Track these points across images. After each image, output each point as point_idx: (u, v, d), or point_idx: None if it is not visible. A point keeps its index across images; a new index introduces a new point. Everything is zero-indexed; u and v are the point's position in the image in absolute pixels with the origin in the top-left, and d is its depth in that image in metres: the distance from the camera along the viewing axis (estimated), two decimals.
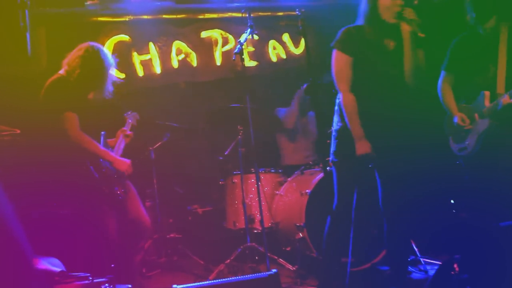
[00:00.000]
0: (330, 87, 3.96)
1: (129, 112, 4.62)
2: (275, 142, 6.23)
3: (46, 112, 3.85)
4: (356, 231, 3.75)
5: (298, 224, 4.94)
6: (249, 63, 6.73)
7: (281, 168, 5.86)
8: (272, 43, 6.83)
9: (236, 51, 4.33)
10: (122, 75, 6.21)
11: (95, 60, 3.99)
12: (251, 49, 6.78)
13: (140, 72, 6.56)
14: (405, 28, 3.44)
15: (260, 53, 6.81)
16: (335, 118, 3.70)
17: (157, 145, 5.80)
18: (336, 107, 3.69)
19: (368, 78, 3.52)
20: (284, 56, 6.83)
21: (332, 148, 3.71)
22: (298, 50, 6.82)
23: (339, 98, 3.64)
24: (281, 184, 5.63)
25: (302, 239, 4.85)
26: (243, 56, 4.37)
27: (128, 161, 4.07)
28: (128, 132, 4.41)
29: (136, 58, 6.52)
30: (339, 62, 3.52)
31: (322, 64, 4.37)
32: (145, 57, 6.57)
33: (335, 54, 3.55)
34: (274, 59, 6.82)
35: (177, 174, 6.38)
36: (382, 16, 3.48)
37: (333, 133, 3.71)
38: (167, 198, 5.96)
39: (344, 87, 3.51)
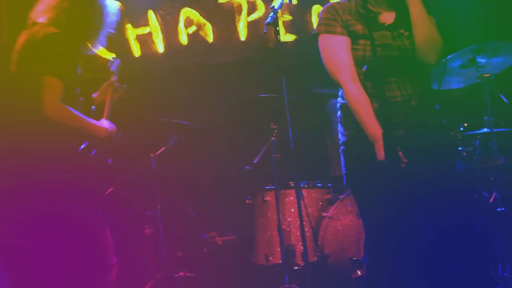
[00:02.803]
0: None
1: (112, 61, 4.52)
2: (323, 146, 6.24)
3: (18, 81, 3.77)
4: None
5: (355, 258, 5.01)
6: (286, 37, 6.78)
7: (330, 180, 5.89)
8: (316, 9, 6.84)
9: (268, 21, 4.31)
10: (111, 55, 6.28)
11: (89, 4, 3.98)
12: (288, 17, 6.83)
13: (136, 51, 6.71)
14: None
15: (300, 24, 6.85)
16: (339, 128, 3.77)
17: (161, 150, 5.83)
18: (339, 113, 3.77)
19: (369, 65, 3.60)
20: None
21: (343, 170, 3.78)
22: None
23: (341, 97, 3.74)
24: (330, 203, 5.66)
25: (360, 279, 4.92)
26: (277, 28, 4.31)
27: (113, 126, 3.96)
28: (117, 84, 4.32)
29: (131, 33, 6.66)
30: (330, 48, 3.63)
31: None
32: (143, 30, 6.70)
33: (322, 41, 3.67)
34: None
35: (187, 190, 6.44)
36: None
37: (340, 150, 3.77)
38: (175, 223, 6.04)
39: (346, 77, 3.56)
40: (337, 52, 3.59)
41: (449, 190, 3.57)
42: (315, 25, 6.54)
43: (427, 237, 3.53)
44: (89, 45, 4.04)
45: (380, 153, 3.35)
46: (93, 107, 4.14)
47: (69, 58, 3.81)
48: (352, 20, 3.60)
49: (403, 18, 3.58)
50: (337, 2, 3.69)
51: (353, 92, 3.51)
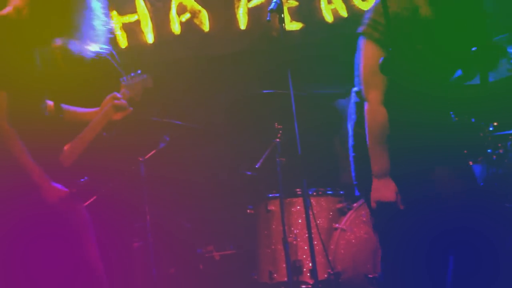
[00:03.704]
0: None
1: (131, 75, 4.28)
2: (333, 148, 6.21)
3: None
4: None
5: (370, 276, 4.95)
6: (291, 25, 6.75)
7: (342, 187, 5.85)
8: None
9: (271, 7, 4.33)
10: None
11: None
12: (294, 3, 6.79)
13: (122, 41, 6.67)
14: None
15: (307, 10, 6.81)
16: (350, 127, 3.82)
17: (151, 154, 5.78)
18: (355, 112, 3.81)
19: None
20: (344, 13, 6.79)
21: (354, 179, 3.82)
22: (367, 5, 6.77)
23: (356, 96, 3.79)
24: (342, 213, 5.63)
25: None
26: (282, 15, 4.36)
27: (64, 190, 3.79)
28: (120, 102, 4.07)
29: (116, 21, 6.60)
30: (372, 59, 3.61)
31: None
32: (130, 18, 6.67)
33: (365, 45, 3.68)
34: (329, 18, 6.79)
35: (181, 198, 6.44)
36: None
37: (351, 154, 3.80)
38: (166, 236, 6.00)
39: (375, 96, 3.64)
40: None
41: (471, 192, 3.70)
42: (324, 12, 6.70)
43: (445, 238, 3.62)
44: (70, 38, 3.87)
45: (386, 193, 3.54)
46: (60, 115, 4.01)
47: (20, 55, 3.68)
48: None
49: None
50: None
51: (379, 113, 3.62)
